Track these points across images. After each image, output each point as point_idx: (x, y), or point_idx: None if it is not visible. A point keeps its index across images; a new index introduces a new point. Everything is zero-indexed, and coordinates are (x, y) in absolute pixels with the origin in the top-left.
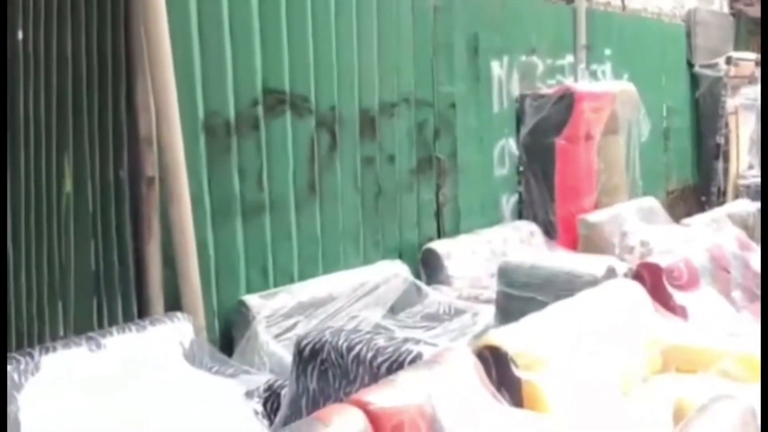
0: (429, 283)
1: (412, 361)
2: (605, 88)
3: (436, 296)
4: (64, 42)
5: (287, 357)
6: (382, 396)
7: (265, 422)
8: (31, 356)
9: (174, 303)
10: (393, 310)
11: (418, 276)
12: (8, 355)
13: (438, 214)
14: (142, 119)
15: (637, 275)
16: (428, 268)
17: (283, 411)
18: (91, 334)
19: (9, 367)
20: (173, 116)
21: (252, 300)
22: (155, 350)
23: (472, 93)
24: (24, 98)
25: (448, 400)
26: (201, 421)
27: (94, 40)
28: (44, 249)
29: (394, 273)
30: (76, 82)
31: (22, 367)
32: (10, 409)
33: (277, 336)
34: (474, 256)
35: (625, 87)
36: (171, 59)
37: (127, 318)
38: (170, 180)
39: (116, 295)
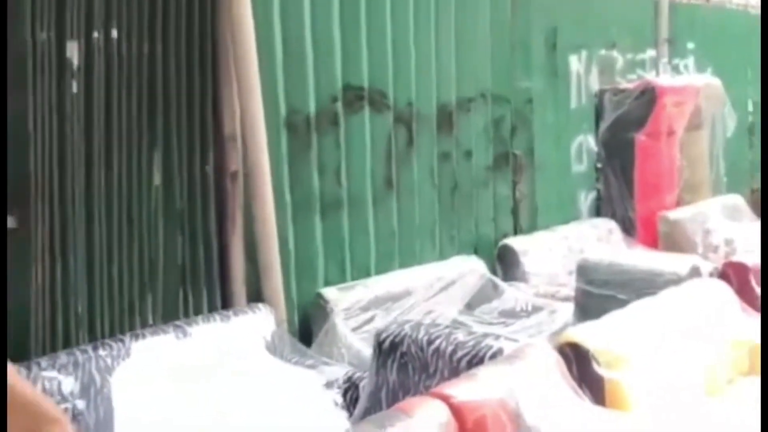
0: (505, 279)
1: (493, 356)
2: (688, 81)
3: (512, 293)
4: (154, 43)
5: (365, 349)
6: (464, 389)
7: (345, 413)
8: (123, 342)
9: (256, 295)
10: (469, 306)
11: (494, 272)
12: (101, 341)
13: (514, 211)
14: (227, 117)
15: (723, 275)
16: (504, 264)
17: (362, 403)
18: (177, 322)
19: (102, 353)
20: (257, 114)
21: (330, 293)
22: (239, 340)
23: (550, 88)
24: (118, 96)
25: (530, 395)
26: (283, 410)
27: (183, 42)
28: (135, 243)
29: (470, 269)
30: (165, 81)
31: (114, 352)
32: (103, 391)
33: (354, 329)
34: (551, 253)
35: (709, 81)
36: (256, 61)
37: (212, 311)
38: (254, 176)
39: (201, 288)
